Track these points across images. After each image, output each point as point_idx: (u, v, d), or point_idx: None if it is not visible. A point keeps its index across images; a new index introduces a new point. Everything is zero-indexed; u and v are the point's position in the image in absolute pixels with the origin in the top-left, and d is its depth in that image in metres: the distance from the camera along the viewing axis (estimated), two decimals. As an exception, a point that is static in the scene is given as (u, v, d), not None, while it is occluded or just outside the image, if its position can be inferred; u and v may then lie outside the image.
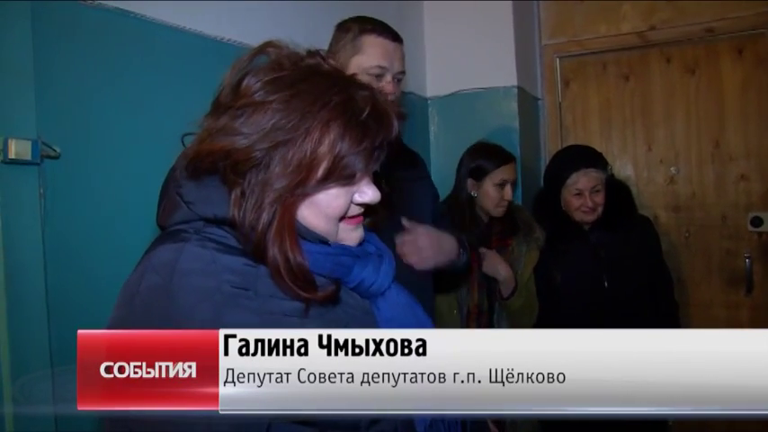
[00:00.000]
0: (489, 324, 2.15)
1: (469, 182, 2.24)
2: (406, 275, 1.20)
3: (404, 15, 2.73)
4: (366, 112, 0.82)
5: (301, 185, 0.79)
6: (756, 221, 2.82)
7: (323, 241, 0.86)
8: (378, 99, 0.86)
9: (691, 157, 3.00)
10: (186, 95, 1.58)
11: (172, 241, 0.81)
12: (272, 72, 0.82)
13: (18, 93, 1.24)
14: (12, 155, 1.21)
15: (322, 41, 1.67)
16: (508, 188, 2.18)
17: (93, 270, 1.38)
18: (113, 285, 1.37)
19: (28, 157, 1.23)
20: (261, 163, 0.79)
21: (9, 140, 1.21)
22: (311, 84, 0.81)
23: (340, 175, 0.81)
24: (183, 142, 0.88)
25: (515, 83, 2.82)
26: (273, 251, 0.79)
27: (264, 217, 0.79)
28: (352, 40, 1.57)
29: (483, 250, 2.14)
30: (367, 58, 1.55)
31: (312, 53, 0.87)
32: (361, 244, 0.92)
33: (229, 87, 0.83)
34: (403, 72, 1.62)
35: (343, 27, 1.62)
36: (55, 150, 1.30)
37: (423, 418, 0.89)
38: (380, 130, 0.84)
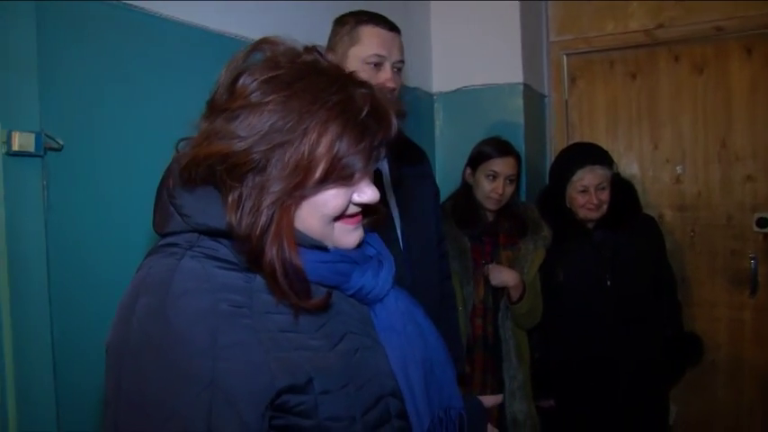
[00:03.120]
0: (494, 321, 2.15)
1: (467, 170, 2.25)
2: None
3: (411, 10, 2.72)
4: (365, 112, 0.80)
5: (299, 187, 0.77)
6: (762, 222, 2.81)
7: (320, 247, 0.84)
8: (377, 97, 0.83)
9: (697, 156, 2.98)
10: (190, 89, 1.58)
11: (165, 257, 0.79)
12: (269, 71, 0.79)
13: (22, 85, 1.23)
14: (15, 147, 1.20)
15: (327, 37, 1.66)
16: (500, 182, 2.16)
17: (95, 263, 1.38)
18: (116, 278, 1.39)
19: (31, 149, 1.23)
20: (258, 166, 0.77)
21: (13, 133, 1.20)
22: (309, 83, 0.79)
23: (339, 175, 0.79)
24: (176, 148, 0.86)
25: (521, 80, 2.81)
26: (271, 255, 0.77)
27: (262, 220, 0.76)
28: (349, 32, 1.59)
29: (487, 265, 2.15)
30: (364, 48, 1.56)
31: (309, 49, 0.85)
32: (360, 245, 0.90)
33: (224, 87, 0.81)
34: (402, 61, 1.62)
35: (341, 21, 1.64)
36: (58, 143, 1.29)
37: (422, 423, 0.88)
38: (380, 129, 0.82)
